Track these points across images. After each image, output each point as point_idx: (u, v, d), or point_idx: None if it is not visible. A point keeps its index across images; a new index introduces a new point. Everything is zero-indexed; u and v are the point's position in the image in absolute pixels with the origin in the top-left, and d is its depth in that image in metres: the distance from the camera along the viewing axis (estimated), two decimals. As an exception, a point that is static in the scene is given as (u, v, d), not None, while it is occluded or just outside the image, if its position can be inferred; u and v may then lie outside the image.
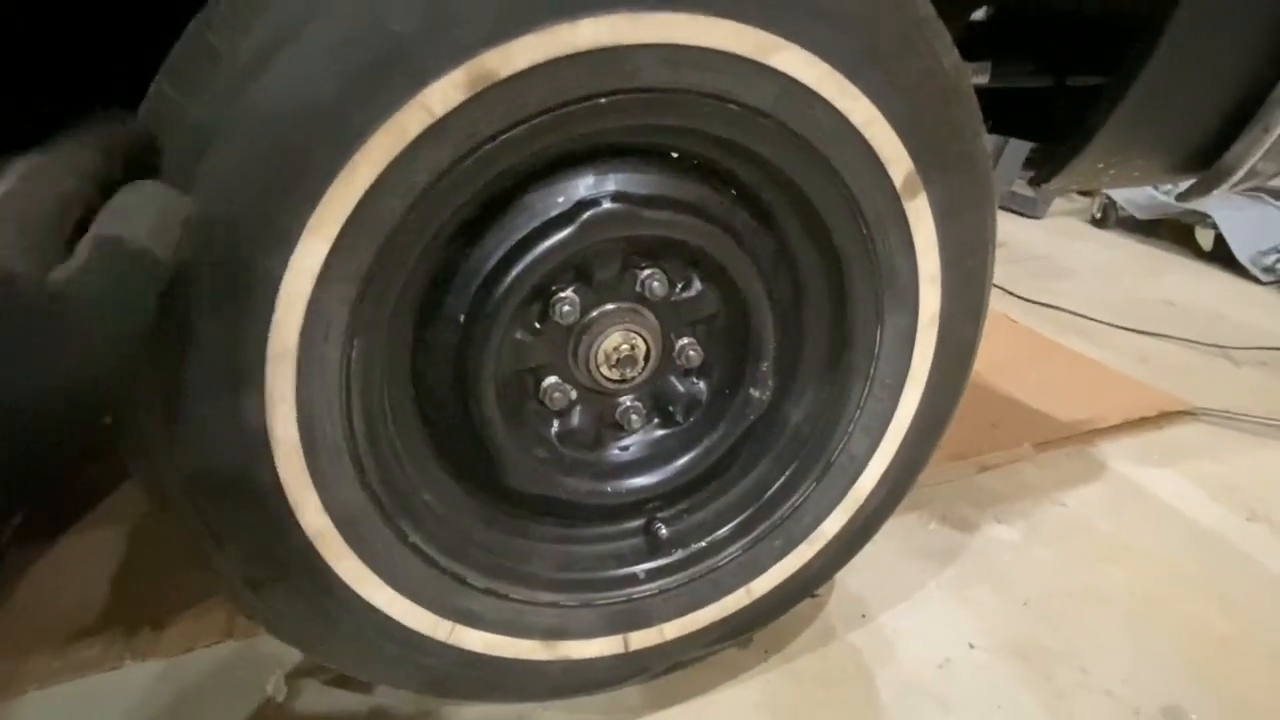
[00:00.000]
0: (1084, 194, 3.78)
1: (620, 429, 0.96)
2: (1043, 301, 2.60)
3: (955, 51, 0.79)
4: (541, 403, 0.89)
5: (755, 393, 0.95)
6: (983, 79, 1.11)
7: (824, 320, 0.95)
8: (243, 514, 0.70)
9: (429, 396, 0.84)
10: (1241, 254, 3.02)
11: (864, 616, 1.22)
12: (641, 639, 0.97)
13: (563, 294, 0.83)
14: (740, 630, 1.05)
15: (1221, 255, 3.10)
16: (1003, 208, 3.86)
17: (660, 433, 0.99)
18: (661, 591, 0.96)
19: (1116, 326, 2.43)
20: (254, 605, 0.77)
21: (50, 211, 0.45)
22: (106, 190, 0.49)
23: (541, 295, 0.83)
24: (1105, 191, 3.51)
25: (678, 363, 0.93)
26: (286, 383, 0.65)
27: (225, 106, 0.56)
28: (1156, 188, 3.20)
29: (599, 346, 0.86)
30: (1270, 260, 2.97)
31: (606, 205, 0.78)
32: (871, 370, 0.93)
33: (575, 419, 0.93)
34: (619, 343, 0.86)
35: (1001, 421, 1.79)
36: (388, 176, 0.61)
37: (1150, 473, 1.67)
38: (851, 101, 0.74)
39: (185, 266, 0.55)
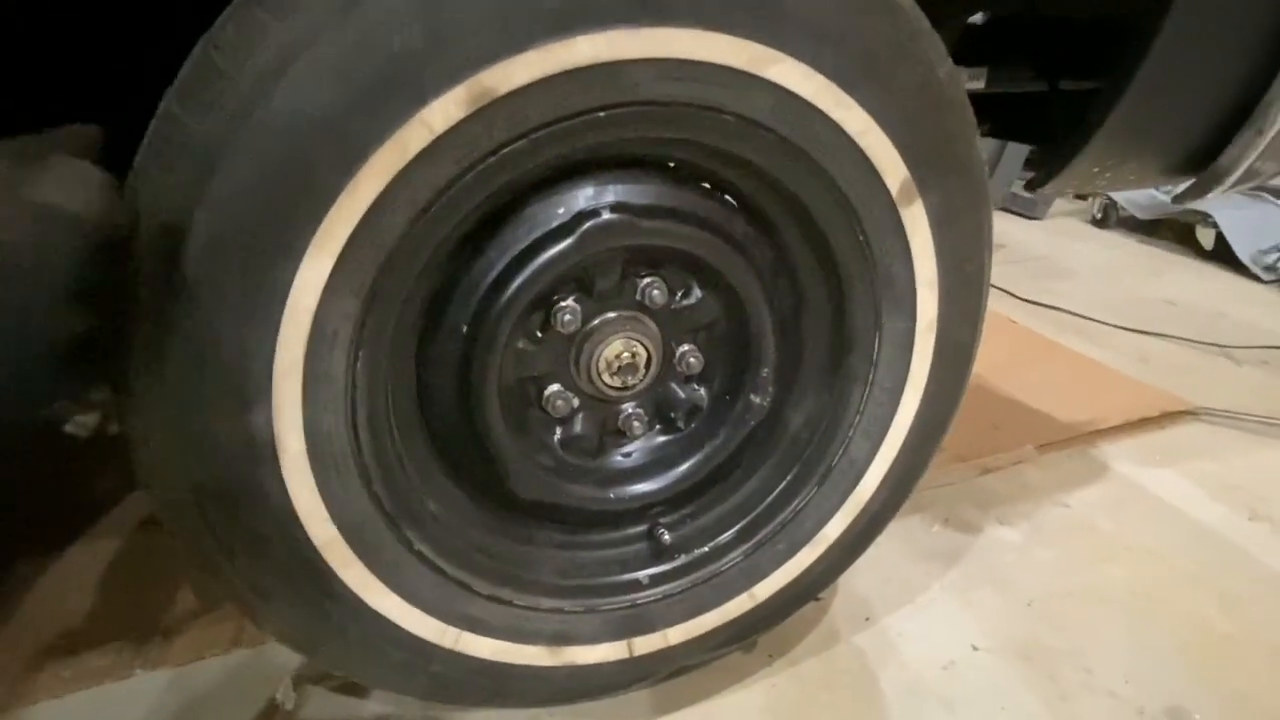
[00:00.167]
0: (1080, 198, 3.79)
1: (622, 436, 0.97)
2: (1043, 302, 2.61)
3: (949, 61, 0.80)
4: (544, 410, 0.90)
5: (756, 398, 0.96)
6: (979, 84, 1.11)
7: (823, 326, 0.96)
8: (251, 524, 0.71)
9: (433, 406, 0.85)
10: (1242, 253, 3.02)
11: (867, 619, 1.22)
12: (646, 644, 0.98)
13: (564, 303, 0.84)
14: (744, 634, 1.05)
15: (1222, 254, 3.11)
16: (1003, 209, 3.86)
17: (662, 439, 1.00)
18: (665, 596, 0.97)
19: (1117, 327, 2.44)
20: (263, 614, 0.78)
21: None
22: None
23: (543, 305, 0.84)
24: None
25: (678, 369, 0.94)
26: (293, 395, 0.66)
27: (232, 126, 0.58)
28: (1157, 187, 3.21)
29: (600, 354, 0.87)
30: (1271, 259, 2.97)
31: (606, 216, 0.79)
32: (871, 375, 0.94)
33: (578, 426, 0.94)
34: (620, 350, 0.87)
35: (1003, 423, 1.80)
36: (390, 193, 0.62)
37: (1152, 473, 1.67)
38: (847, 112, 0.75)
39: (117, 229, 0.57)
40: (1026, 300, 2.63)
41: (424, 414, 0.85)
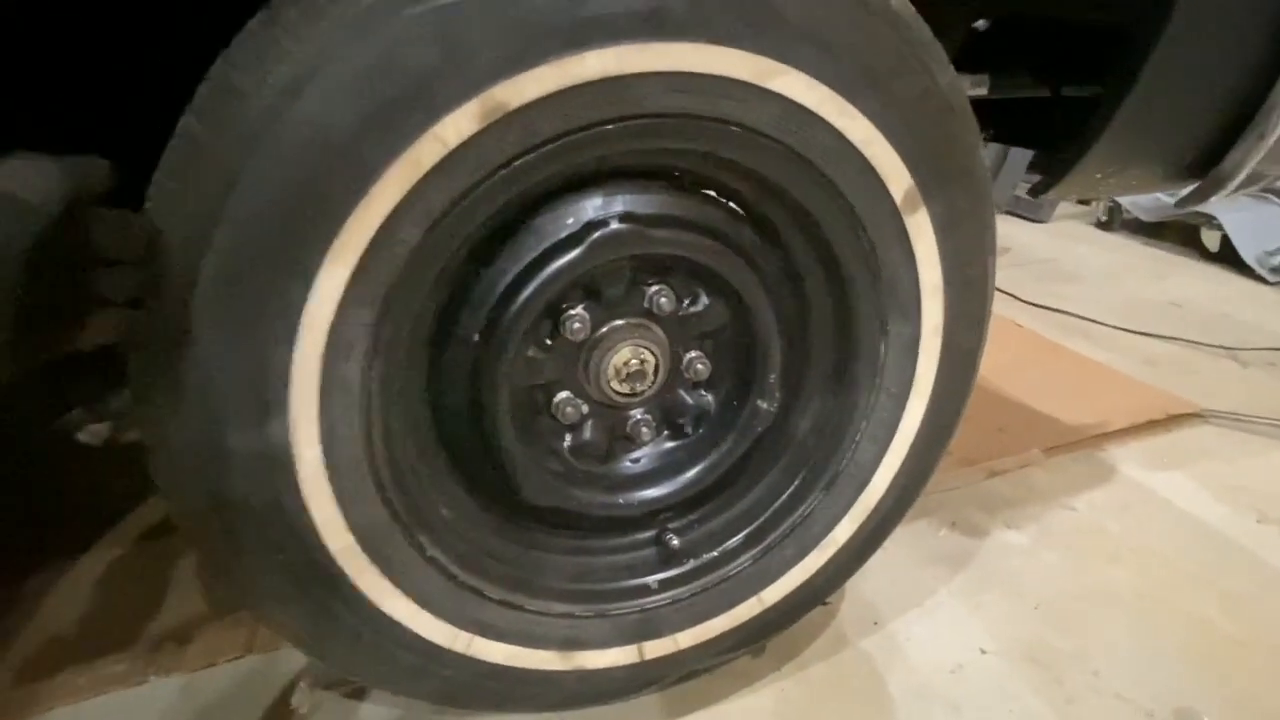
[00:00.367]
0: (1083, 202, 3.79)
1: (631, 442, 0.98)
2: (1049, 305, 2.61)
3: (951, 70, 0.81)
4: (554, 417, 0.91)
5: (763, 404, 0.97)
6: (982, 91, 1.12)
7: (829, 332, 0.97)
8: (267, 531, 0.72)
9: (445, 414, 0.86)
10: (1247, 254, 3.02)
11: (875, 623, 1.23)
12: (655, 648, 0.98)
13: (573, 311, 0.85)
14: (753, 638, 1.06)
15: (1227, 256, 3.11)
16: (1007, 212, 3.87)
17: (670, 445, 1.01)
18: (674, 601, 0.97)
19: (1123, 329, 2.44)
20: (277, 620, 0.79)
21: None
22: None
23: (552, 313, 0.85)
24: (1109, 194, 3.52)
25: (686, 376, 0.95)
26: (310, 404, 0.68)
27: (250, 142, 0.59)
28: (1160, 192, 3.20)
29: (609, 361, 0.88)
30: (1277, 260, 2.97)
31: (614, 225, 0.80)
32: (877, 380, 0.95)
33: (587, 433, 0.95)
34: (628, 358, 0.88)
35: (1009, 426, 1.80)
36: (404, 205, 0.64)
37: (1159, 476, 1.67)
38: (851, 121, 0.76)
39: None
40: (1032, 303, 2.63)
41: (436, 422, 0.86)
